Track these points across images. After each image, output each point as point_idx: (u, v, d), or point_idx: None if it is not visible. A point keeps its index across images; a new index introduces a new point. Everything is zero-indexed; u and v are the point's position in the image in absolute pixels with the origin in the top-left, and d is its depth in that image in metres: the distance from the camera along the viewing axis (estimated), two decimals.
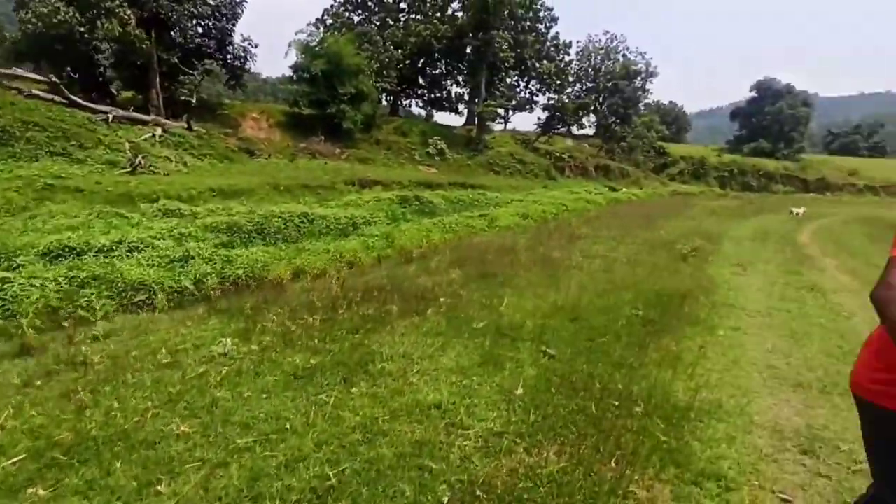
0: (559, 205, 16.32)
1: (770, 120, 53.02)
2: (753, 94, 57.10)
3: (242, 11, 23.84)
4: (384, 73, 30.52)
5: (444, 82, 45.21)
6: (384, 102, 37.96)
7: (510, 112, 57.48)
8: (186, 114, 20.50)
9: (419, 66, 41.09)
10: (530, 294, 6.08)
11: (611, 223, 13.23)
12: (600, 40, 52.22)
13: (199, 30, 22.97)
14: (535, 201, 16.63)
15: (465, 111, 41.40)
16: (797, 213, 20.09)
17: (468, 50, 35.28)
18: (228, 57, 24.26)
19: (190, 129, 18.97)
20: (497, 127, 48.95)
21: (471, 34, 33.67)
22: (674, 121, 71.30)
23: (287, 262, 7.16)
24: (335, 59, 24.82)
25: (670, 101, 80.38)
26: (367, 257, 8.11)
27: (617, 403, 3.48)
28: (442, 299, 5.68)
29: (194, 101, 23.34)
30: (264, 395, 3.46)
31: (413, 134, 32.47)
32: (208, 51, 23.34)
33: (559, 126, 36.57)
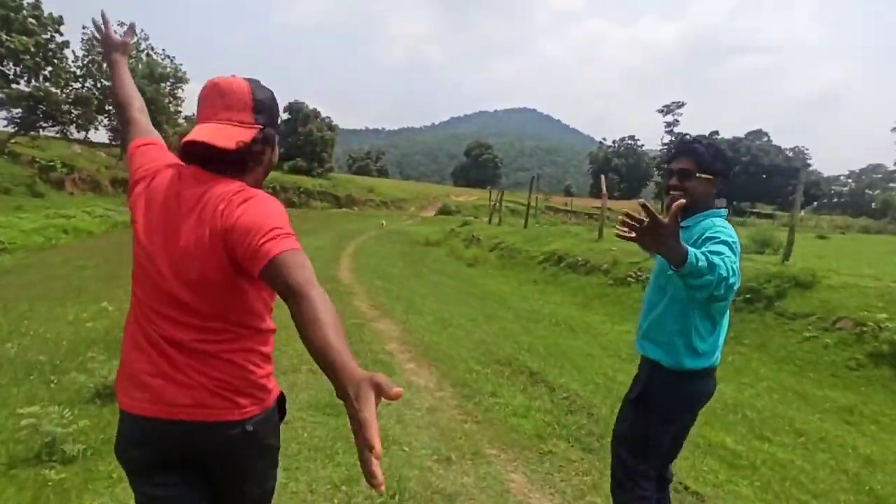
0: None
1: (304, 140, 55.59)
2: (287, 115, 58.65)
3: None
4: None
5: None
6: None
7: None
8: None
9: None
10: None
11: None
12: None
13: None
14: None
15: None
16: (383, 224, 25.46)
17: None
18: None
19: None
20: None
21: None
22: None
23: None
24: None
25: None
26: None
27: None
28: None
29: None
30: None
31: None
32: None
33: (48, 124, 26.57)
